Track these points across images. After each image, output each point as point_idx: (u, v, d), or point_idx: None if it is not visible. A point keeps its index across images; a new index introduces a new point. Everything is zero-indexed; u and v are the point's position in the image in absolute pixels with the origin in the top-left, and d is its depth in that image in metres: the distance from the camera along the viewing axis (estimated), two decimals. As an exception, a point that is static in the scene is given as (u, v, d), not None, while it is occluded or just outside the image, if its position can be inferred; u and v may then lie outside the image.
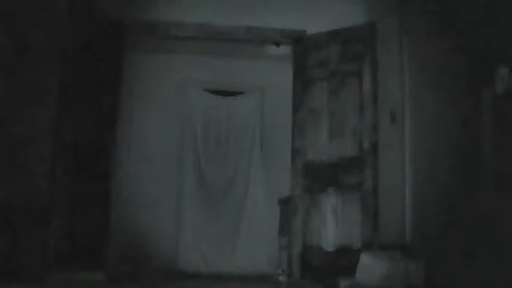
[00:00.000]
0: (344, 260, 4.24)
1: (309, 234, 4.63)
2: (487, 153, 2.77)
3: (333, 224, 4.53)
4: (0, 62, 4.13)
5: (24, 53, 4.25)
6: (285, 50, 5.49)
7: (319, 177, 4.67)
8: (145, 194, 5.84)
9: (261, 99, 6.33)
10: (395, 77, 4.47)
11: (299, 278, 4.56)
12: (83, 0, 4.45)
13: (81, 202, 4.33)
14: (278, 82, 5.97)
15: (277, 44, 5.31)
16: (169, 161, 6.06)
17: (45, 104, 4.20)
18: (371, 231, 4.32)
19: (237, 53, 6.09)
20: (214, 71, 6.27)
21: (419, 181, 4.03)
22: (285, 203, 4.94)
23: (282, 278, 4.69)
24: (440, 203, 3.50)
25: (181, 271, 5.71)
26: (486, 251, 2.75)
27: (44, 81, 4.23)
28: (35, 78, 4.22)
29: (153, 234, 5.69)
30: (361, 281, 3.61)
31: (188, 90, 6.27)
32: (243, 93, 6.38)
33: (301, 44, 5.00)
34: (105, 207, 4.74)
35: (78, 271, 4.02)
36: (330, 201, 4.58)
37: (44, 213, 4.02)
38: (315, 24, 4.94)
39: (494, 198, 2.68)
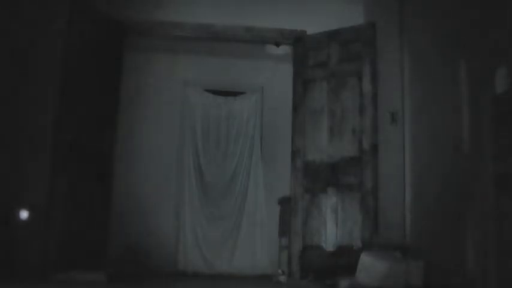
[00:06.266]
0: (344, 260, 4.24)
1: (309, 234, 4.63)
2: (487, 153, 2.77)
3: (333, 224, 4.53)
4: (1, 62, 4.14)
5: (25, 53, 4.25)
6: (285, 50, 5.49)
7: (319, 177, 4.66)
8: (145, 194, 5.84)
9: (261, 99, 6.33)
10: (395, 77, 4.47)
11: (299, 278, 4.55)
12: (83, 1, 4.45)
13: (81, 202, 4.33)
14: (278, 82, 5.98)
15: (277, 44, 5.30)
16: (169, 161, 6.06)
17: (46, 104, 4.20)
18: (371, 231, 4.32)
19: (237, 53, 6.09)
20: (214, 71, 6.28)
21: (419, 181, 4.03)
22: (285, 203, 4.94)
23: (282, 278, 4.69)
24: (440, 202, 3.50)
25: (181, 271, 5.71)
26: (486, 251, 2.75)
27: (45, 81, 4.23)
28: (35, 78, 4.22)
29: (153, 235, 5.69)
30: (361, 281, 3.61)
31: (188, 90, 6.27)
32: (243, 93, 6.37)
33: (301, 44, 5.00)
34: (105, 207, 4.74)
35: (78, 271, 4.02)
36: (330, 201, 4.57)
37: (44, 213, 4.02)
38: (315, 24, 4.94)
39: (494, 198, 2.68)
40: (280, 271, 4.82)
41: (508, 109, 2.60)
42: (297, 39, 5.02)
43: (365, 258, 3.71)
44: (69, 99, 4.27)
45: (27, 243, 3.97)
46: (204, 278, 5.49)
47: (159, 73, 6.19)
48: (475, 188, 2.90)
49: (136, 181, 5.82)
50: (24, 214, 3.99)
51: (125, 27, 4.93)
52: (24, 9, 4.30)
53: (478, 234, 2.85)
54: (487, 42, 2.89)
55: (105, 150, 4.72)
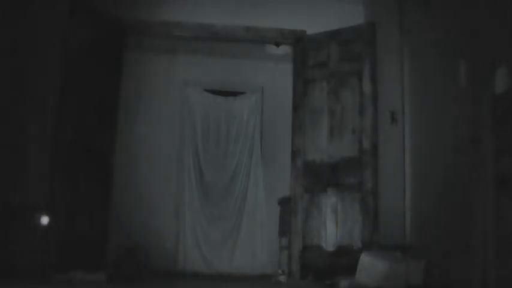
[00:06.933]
0: (344, 260, 4.24)
1: (309, 234, 4.63)
2: (487, 153, 2.77)
3: (333, 224, 4.53)
4: (1, 62, 4.13)
5: (25, 53, 4.25)
6: (285, 50, 5.49)
7: (319, 177, 4.66)
8: (145, 194, 5.84)
9: (261, 99, 6.32)
10: (395, 77, 4.46)
11: (299, 278, 4.55)
12: (83, 1, 4.45)
13: (81, 202, 4.33)
14: (278, 82, 5.97)
15: (277, 44, 5.30)
16: (169, 161, 6.06)
17: (46, 104, 4.20)
18: (371, 231, 4.32)
19: (237, 53, 6.09)
20: (214, 71, 6.27)
21: (419, 181, 4.03)
22: (285, 203, 4.94)
23: (282, 278, 4.69)
24: (440, 202, 3.50)
25: (181, 271, 5.70)
26: (486, 251, 2.75)
27: (45, 81, 4.23)
28: (35, 78, 4.22)
29: (153, 235, 5.68)
30: (361, 281, 3.61)
31: (188, 90, 6.27)
32: (243, 93, 6.37)
33: (301, 44, 5.00)
34: (105, 207, 4.74)
35: (78, 271, 4.01)
36: (330, 201, 4.57)
37: (44, 213, 4.02)
38: (315, 24, 4.94)
39: (494, 198, 2.68)
40: (280, 271, 4.81)
41: (508, 109, 2.60)
42: (297, 39, 5.02)
43: (365, 258, 3.71)
44: (69, 99, 4.26)
45: (27, 243, 3.97)
46: (204, 277, 5.49)
47: (159, 73, 6.18)
48: (475, 188, 2.90)
49: (137, 181, 5.81)
50: (45, 220, 3.99)
51: (125, 27, 4.93)
52: (25, 10, 4.30)
53: (478, 234, 2.85)
54: (487, 42, 2.89)
55: (105, 150, 4.72)
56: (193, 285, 4.69)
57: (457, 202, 3.18)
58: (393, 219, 4.22)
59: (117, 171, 4.97)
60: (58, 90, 4.20)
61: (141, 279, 4.70)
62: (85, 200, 4.38)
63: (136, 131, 5.95)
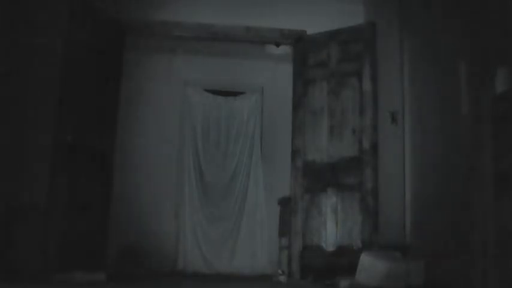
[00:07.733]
0: (344, 260, 4.24)
1: (309, 234, 4.63)
2: (486, 153, 2.77)
3: (333, 224, 4.53)
4: (1, 62, 4.13)
5: (25, 54, 4.25)
6: (285, 50, 5.49)
7: (319, 177, 4.66)
8: (145, 194, 5.84)
9: (261, 99, 6.33)
10: (395, 77, 4.46)
11: (299, 278, 4.55)
12: (83, 1, 4.45)
13: (81, 202, 4.33)
14: (278, 82, 5.98)
15: (277, 44, 5.31)
16: (169, 161, 6.06)
17: (46, 104, 4.20)
18: (371, 231, 4.32)
19: (237, 53, 6.09)
20: (214, 71, 6.27)
21: (419, 181, 4.03)
22: (285, 203, 4.94)
23: (282, 278, 4.69)
24: (440, 203, 3.50)
25: (181, 271, 5.70)
26: (486, 251, 2.75)
27: (44, 82, 4.23)
28: (35, 78, 4.22)
29: (153, 235, 5.69)
30: (361, 281, 3.61)
31: (188, 90, 6.27)
32: (243, 93, 6.37)
33: (301, 44, 5.00)
34: (105, 207, 4.73)
35: (78, 271, 4.01)
36: (329, 201, 4.57)
37: (44, 213, 4.02)
38: (315, 24, 4.94)
39: (494, 198, 2.68)
40: (280, 271, 4.82)
41: (508, 109, 2.60)
42: (297, 39, 5.02)
43: (365, 258, 3.70)
44: (69, 100, 4.26)
45: (27, 243, 3.97)
46: (204, 278, 5.49)
47: (159, 73, 6.19)
48: (475, 188, 2.90)
49: (136, 181, 5.81)
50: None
51: (125, 27, 4.93)
52: (24, 10, 4.30)
53: (478, 234, 2.85)
54: (487, 42, 2.89)
55: (105, 150, 4.72)
56: (193, 285, 4.69)
57: (457, 202, 3.18)
58: (393, 219, 4.22)
59: (117, 171, 4.98)
60: (58, 90, 4.20)
61: (141, 279, 4.70)
62: (85, 200, 4.38)
63: (136, 131, 5.95)
